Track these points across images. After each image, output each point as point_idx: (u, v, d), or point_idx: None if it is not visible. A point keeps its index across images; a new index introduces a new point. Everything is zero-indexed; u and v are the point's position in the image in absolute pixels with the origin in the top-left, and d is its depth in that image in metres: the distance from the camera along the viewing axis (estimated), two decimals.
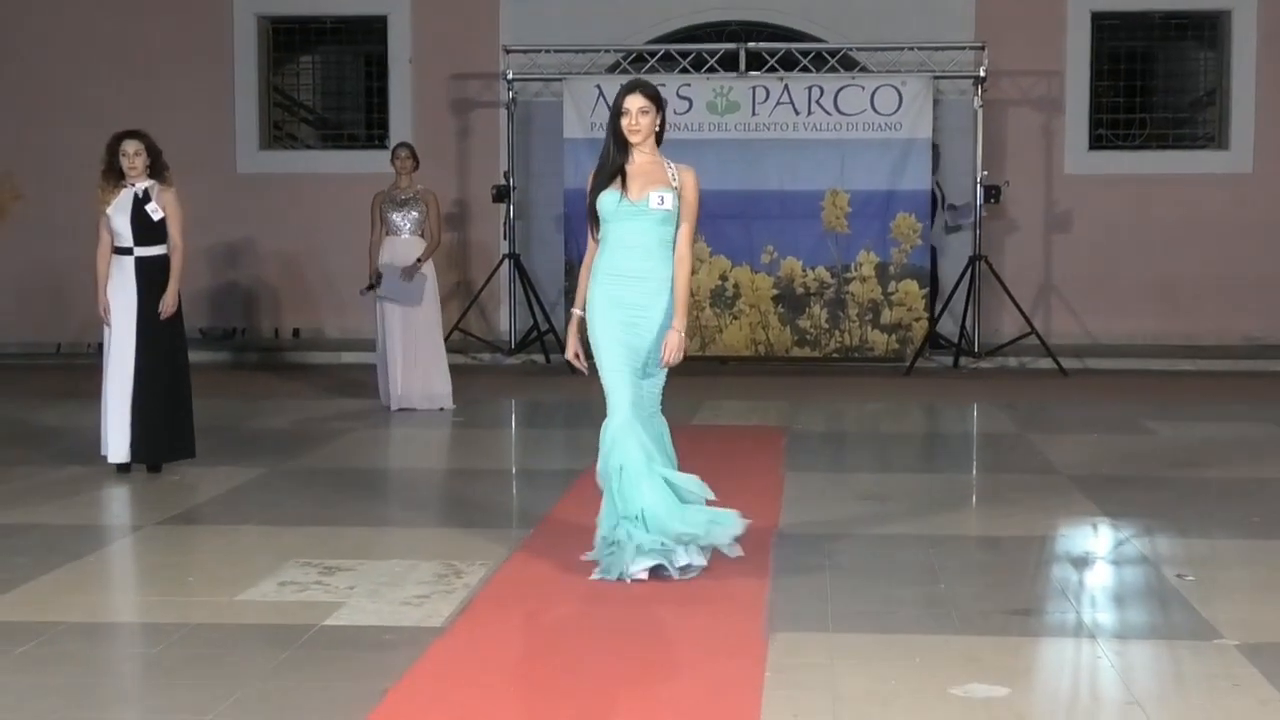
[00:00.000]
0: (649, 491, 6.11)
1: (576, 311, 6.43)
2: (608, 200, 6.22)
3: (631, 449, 6.11)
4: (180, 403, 9.06)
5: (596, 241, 6.33)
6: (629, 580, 6.11)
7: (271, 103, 16.65)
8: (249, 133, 16.29)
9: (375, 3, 16.21)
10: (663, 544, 6.15)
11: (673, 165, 6.33)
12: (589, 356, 6.32)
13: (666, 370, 6.32)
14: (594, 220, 6.31)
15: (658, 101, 6.26)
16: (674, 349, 6.16)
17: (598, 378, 6.27)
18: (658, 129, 6.29)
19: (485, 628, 5.65)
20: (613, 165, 6.24)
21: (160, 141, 9.04)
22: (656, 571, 6.16)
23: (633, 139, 6.21)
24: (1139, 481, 8.98)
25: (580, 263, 6.64)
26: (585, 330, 6.32)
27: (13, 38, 16.01)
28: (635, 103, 6.19)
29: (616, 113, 6.26)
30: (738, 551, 6.37)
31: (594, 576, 6.24)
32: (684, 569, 6.21)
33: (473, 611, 6.02)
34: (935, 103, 14.86)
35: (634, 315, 6.21)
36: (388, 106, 16.36)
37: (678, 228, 6.27)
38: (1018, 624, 5.91)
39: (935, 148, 14.92)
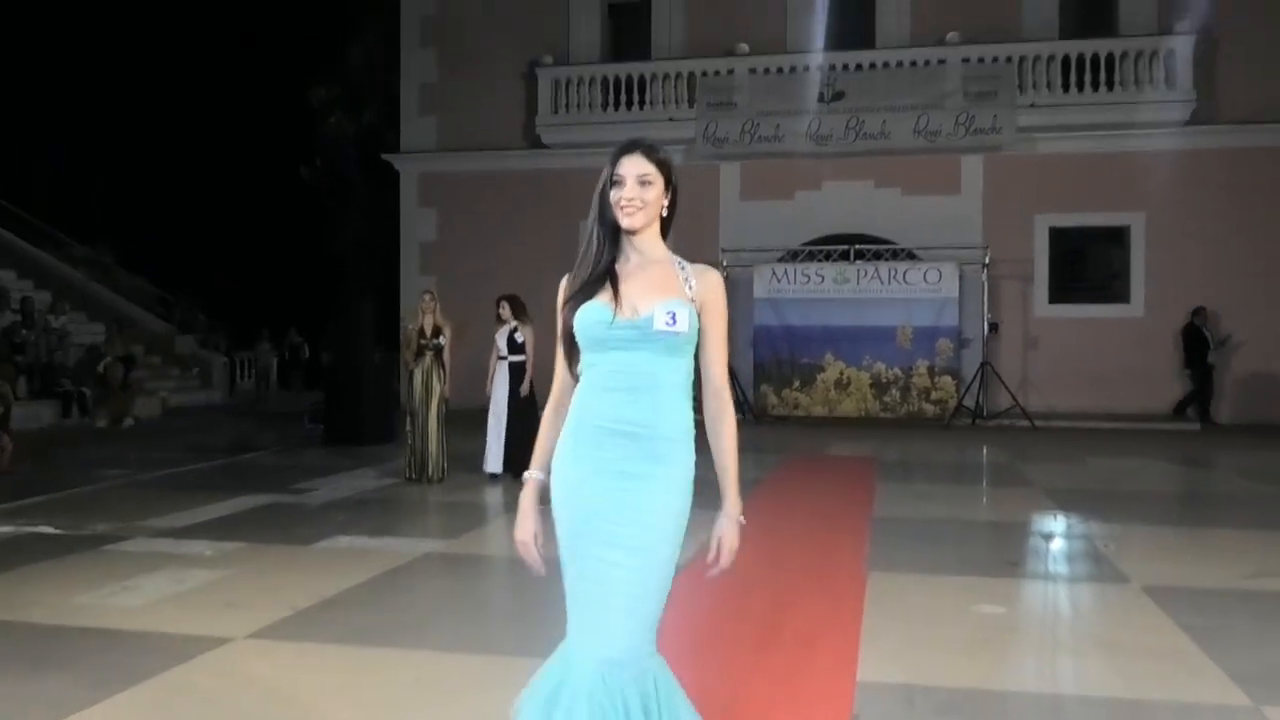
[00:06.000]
0: None
1: (535, 474, 2.44)
2: (591, 317, 2.29)
3: None
4: (531, 438, 9.34)
5: (575, 377, 2.38)
6: None
7: None
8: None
9: None
10: None
11: (686, 265, 2.37)
12: (552, 538, 2.35)
13: (670, 579, 2.27)
14: (569, 347, 2.36)
15: (667, 170, 2.33)
16: (729, 548, 2.32)
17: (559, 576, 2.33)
18: (665, 213, 2.36)
19: None
20: (599, 265, 2.33)
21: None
22: None
23: (627, 222, 2.30)
24: (1082, 491, 8.84)
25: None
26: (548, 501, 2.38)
27: (462, 253, 16.97)
28: (633, 168, 2.29)
29: (606, 183, 2.33)
30: None
31: None
32: None
33: None
34: (960, 277, 14.69)
35: (624, 495, 2.24)
36: None
37: (696, 355, 2.33)
38: (1008, 571, 5.94)
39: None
